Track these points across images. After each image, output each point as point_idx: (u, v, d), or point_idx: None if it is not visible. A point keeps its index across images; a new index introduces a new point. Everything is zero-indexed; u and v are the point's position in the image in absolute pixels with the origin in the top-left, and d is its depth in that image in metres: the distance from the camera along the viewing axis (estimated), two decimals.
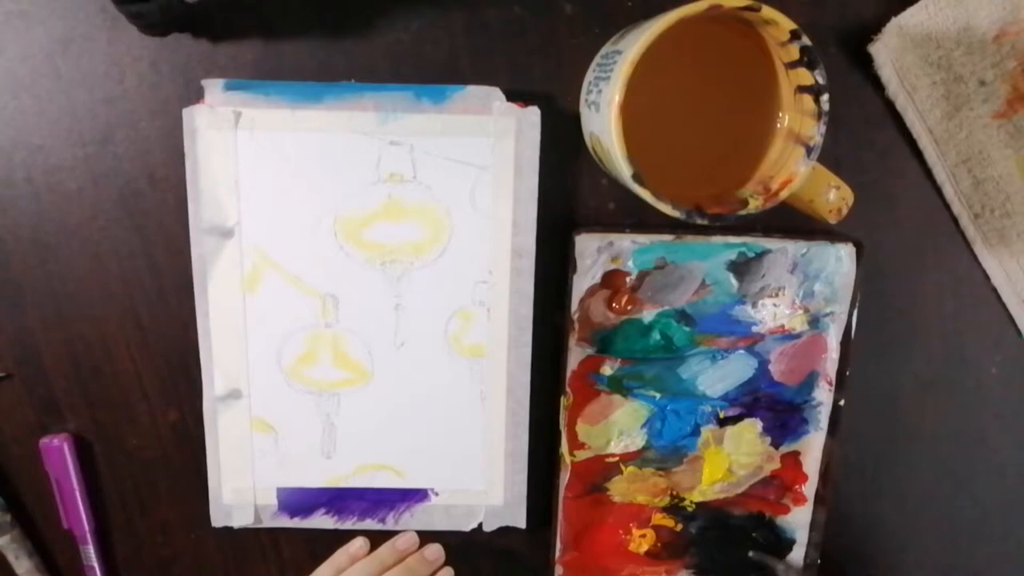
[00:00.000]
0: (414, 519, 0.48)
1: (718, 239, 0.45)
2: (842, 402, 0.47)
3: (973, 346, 0.49)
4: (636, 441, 0.48)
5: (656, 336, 0.46)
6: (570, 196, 0.45)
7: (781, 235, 0.45)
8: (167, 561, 0.49)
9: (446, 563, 0.46)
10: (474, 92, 0.43)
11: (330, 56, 0.43)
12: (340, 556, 0.46)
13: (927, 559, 0.52)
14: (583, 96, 0.42)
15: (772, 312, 0.46)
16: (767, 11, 0.35)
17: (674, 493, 0.49)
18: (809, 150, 0.38)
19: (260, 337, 0.45)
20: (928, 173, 0.46)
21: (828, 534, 0.49)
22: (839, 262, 0.45)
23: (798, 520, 0.50)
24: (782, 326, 0.47)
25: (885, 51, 0.43)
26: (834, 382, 0.47)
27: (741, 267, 0.46)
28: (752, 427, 0.48)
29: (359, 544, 0.47)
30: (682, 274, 0.45)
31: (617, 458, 0.48)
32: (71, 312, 0.45)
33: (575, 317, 0.45)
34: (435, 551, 0.46)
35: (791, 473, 0.49)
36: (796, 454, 0.49)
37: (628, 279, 0.45)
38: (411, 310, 0.45)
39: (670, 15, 0.35)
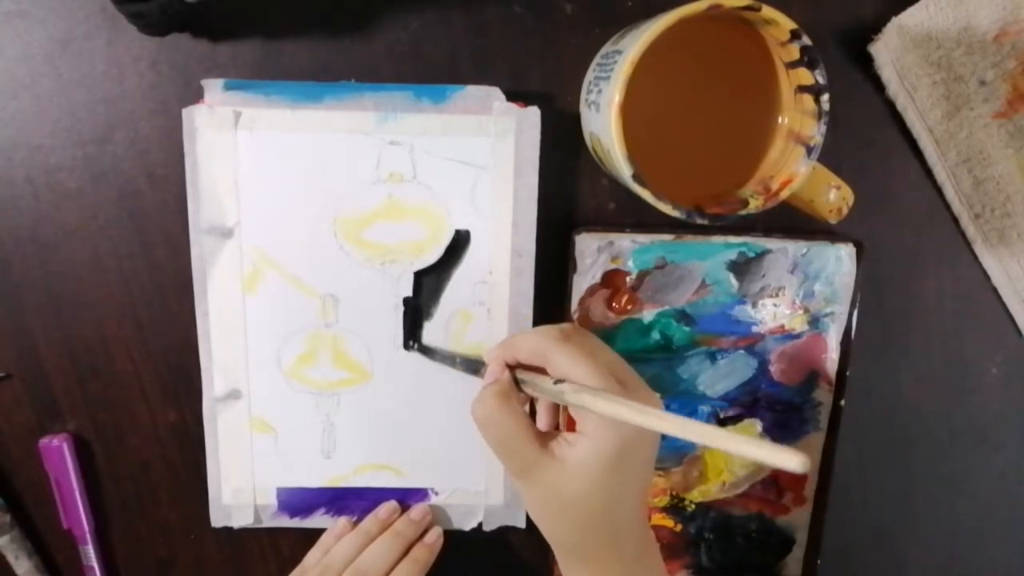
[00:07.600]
0: None
1: (718, 239, 0.45)
2: (842, 402, 0.47)
3: (973, 346, 0.49)
4: None
5: (656, 336, 0.46)
6: (570, 196, 0.45)
7: (781, 235, 0.45)
8: (167, 561, 0.49)
9: (445, 561, 0.46)
10: (474, 92, 0.43)
11: (330, 56, 0.43)
12: (327, 537, 0.47)
13: (927, 559, 0.52)
14: (583, 96, 0.42)
15: (772, 312, 0.46)
16: (767, 11, 0.35)
17: (674, 493, 0.49)
18: (809, 150, 0.38)
19: (260, 337, 0.45)
20: (928, 173, 0.46)
21: (828, 534, 0.49)
22: (839, 262, 0.45)
23: (798, 520, 0.50)
24: (782, 326, 0.47)
25: (885, 51, 0.43)
26: (834, 382, 0.47)
27: (741, 267, 0.46)
28: (752, 427, 0.48)
29: (343, 523, 0.47)
30: (682, 274, 0.45)
31: None
32: (71, 312, 0.45)
33: (575, 317, 0.45)
34: (420, 511, 0.47)
35: (791, 473, 0.49)
36: None
37: (628, 279, 0.45)
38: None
39: (670, 15, 0.35)
